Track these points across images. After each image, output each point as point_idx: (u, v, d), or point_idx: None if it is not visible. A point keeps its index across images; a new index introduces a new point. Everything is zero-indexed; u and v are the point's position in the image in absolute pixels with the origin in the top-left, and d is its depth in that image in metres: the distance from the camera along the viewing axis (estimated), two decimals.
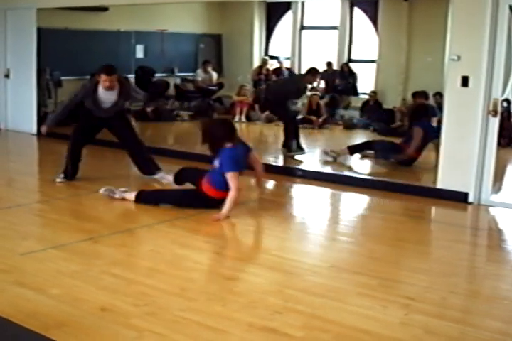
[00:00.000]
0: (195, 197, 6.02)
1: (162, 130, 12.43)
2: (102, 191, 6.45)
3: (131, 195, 6.29)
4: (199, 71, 14.11)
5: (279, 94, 9.30)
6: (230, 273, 4.54)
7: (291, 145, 9.26)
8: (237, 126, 12.66)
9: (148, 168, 7.46)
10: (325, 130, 12.40)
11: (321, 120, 12.49)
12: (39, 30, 10.84)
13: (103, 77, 6.91)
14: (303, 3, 14.14)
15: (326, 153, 8.95)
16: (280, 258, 4.94)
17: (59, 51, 11.74)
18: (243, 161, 5.95)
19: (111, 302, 3.91)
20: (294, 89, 9.45)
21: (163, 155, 9.03)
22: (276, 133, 12.40)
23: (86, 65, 12.24)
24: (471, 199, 6.69)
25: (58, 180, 7.24)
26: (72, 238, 5.20)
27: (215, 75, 14.19)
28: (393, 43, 12.62)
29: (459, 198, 6.71)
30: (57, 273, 4.42)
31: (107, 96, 7.10)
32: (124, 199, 6.33)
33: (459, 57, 6.51)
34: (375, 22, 13.05)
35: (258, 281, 4.46)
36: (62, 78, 12.14)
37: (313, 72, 9.39)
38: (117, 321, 3.66)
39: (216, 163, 5.86)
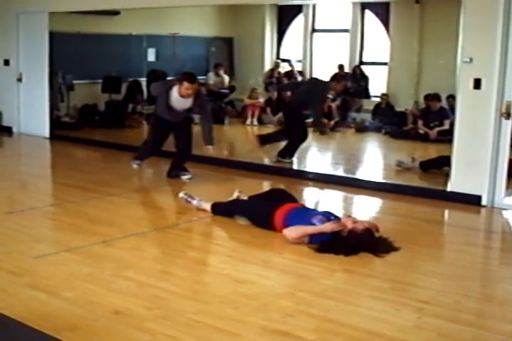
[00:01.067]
0: (263, 220, 5.61)
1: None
2: (181, 194, 6.35)
3: (208, 205, 6.14)
4: (211, 74, 14.11)
5: (302, 100, 8.93)
6: (242, 276, 4.53)
7: (285, 154, 8.95)
8: (248, 129, 12.81)
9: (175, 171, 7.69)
10: (337, 133, 12.38)
11: (332, 123, 12.47)
12: (51, 34, 10.90)
13: (185, 85, 6.86)
14: (314, 6, 14.11)
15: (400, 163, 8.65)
16: (292, 261, 4.93)
17: (71, 55, 11.77)
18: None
19: (124, 305, 3.91)
20: (318, 97, 9.07)
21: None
22: None
23: (98, 69, 12.32)
24: (484, 202, 6.67)
25: (135, 165, 7.90)
26: (85, 241, 5.21)
27: (226, 78, 14.18)
28: (405, 46, 12.57)
29: (472, 201, 6.69)
30: (70, 276, 4.43)
31: (180, 103, 7.10)
32: (200, 207, 6.20)
33: (471, 60, 6.49)
34: (386, 24, 13.01)
35: (270, 284, 4.46)
36: (75, 82, 12.19)
37: (338, 79, 9.19)
38: (130, 324, 3.67)
39: (315, 220, 5.28)
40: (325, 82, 9.36)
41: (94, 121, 12.23)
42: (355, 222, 5.19)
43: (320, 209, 6.38)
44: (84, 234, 5.44)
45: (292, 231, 5.20)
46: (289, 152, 8.91)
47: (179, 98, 7.05)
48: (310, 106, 8.91)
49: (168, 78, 13.40)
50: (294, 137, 8.97)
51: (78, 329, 3.58)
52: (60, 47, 11.20)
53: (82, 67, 12.05)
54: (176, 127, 7.56)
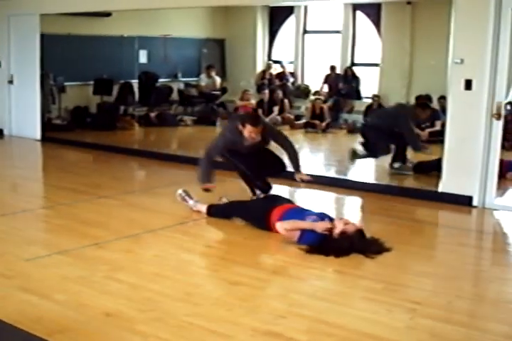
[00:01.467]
0: (260, 220, 5.61)
1: (165, 135, 12.46)
2: (179, 191, 6.35)
3: (203, 208, 6.13)
4: (202, 76, 14.11)
5: (386, 123, 8.44)
6: (234, 278, 4.53)
7: (396, 161, 8.57)
8: None
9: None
10: (329, 134, 12.39)
11: (324, 124, 12.50)
12: (42, 36, 10.88)
13: (248, 128, 6.03)
14: (306, 8, 14.13)
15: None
16: (284, 263, 4.94)
17: (62, 57, 11.75)
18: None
19: (116, 308, 3.91)
20: (403, 123, 8.44)
21: (167, 160, 9.08)
22: None
23: (89, 71, 12.30)
24: (475, 202, 6.68)
25: (253, 197, 6.67)
26: (77, 243, 5.20)
27: (218, 80, 14.18)
28: (396, 47, 12.60)
29: (463, 202, 6.71)
30: (62, 279, 4.42)
31: (248, 142, 6.24)
32: (195, 208, 6.19)
33: (462, 61, 6.51)
34: (377, 25, 13.04)
35: (262, 286, 4.47)
36: (66, 84, 12.17)
37: (423, 106, 8.82)
38: (122, 326, 3.66)
39: (309, 220, 5.29)
40: (408, 107, 9.11)
41: (86, 123, 12.21)
42: (346, 223, 5.20)
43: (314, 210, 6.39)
44: (76, 236, 5.43)
45: (285, 223, 5.27)
46: (399, 158, 8.61)
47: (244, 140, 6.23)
48: (393, 128, 8.45)
49: (160, 80, 13.45)
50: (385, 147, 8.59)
51: (70, 331, 3.57)
52: (51, 49, 11.19)
53: (74, 69, 12.03)
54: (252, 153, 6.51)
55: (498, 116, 6.46)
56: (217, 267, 4.79)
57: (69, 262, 4.78)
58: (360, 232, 5.16)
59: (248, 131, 6.05)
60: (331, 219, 5.30)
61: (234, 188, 6.95)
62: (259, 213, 5.62)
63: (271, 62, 14.61)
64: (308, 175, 6.58)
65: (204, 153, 6.29)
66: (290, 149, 6.50)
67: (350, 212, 6.86)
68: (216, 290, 4.31)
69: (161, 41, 13.46)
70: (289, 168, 6.60)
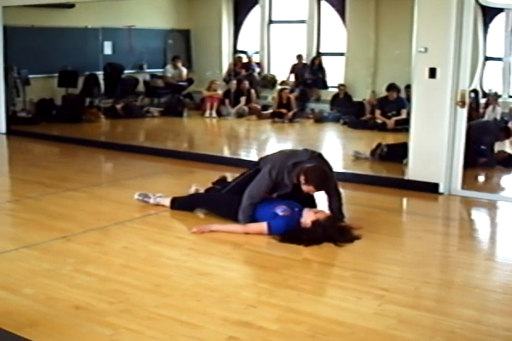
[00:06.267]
0: (230, 209, 5.55)
1: (132, 127, 12.37)
2: (136, 196, 6.25)
3: (166, 201, 6.10)
4: (169, 67, 14.04)
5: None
6: (203, 269, 4.54)
7: None
8: (207, 121, 12.79)
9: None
10: (296, 123, 12.42)
11: (291, 114, 12.51)
12: (5, 28, 10.75)
13: (311, 188, 5.34)
14: None
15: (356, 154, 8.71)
16: (253, 252, 4.96)
17: (26, 49, 11.60)
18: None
19: (85, 301, 3.90)
20: (488, 140, 8.38)
21: (134, 152, 9.04)
22: (246, 127, 12.45)
23: (54, 63, 12.17)
24: (441, 189, 6.76)
25: None
26: (45, 237, 5.17)
27: (184, 71, 14.12)
28: (361, 36, 12.63)
29: (430, 189, 6.77)
30: (30, 273, 4.40)
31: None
32: (158, 204, 6.13)
33: (426, 49, 6.56)
34: (342, 15, 13.05)
35: (232, 276, 4.48)
36: (30, 76, 12.03)
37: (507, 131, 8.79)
38: (92, 319, 3.65)
39: (278, 209, 5.29)
40: (497, 126, 9.08)
41: (51, 116, 12.08)
42: (316, 212, 5.23)
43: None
44: (43, 230, 5.40)
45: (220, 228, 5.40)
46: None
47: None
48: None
49: (126, 71, 13.36)
50: None
51: (39, 325, 3.56)
52: (14, 41, 11.05)
53: (38, 61, 11.90)
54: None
55: (463, 104, 6.53)
56: (185, 258, 4.79)
57: (36, 256, 4.75)
58: (331, 219, 5.20)
59: (309, 190, 5.37)
60: (301, 208, 5.32)
61: (202, 179, 6.93)
62: (228, 202, 5.64)
63: (241, 55, 14.57)
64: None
65: (247, 196, 5.45)
66: (336, 198, 5.69)
67: (318, 201, 6.88)
68: (185, 281, 4.31)
69: (125, 32, 13.36)
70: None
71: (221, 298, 3.99)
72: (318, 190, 5.43)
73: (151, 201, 6.18)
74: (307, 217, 5.20)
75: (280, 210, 5.27)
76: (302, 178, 5.28)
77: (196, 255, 4.87)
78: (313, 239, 5.04)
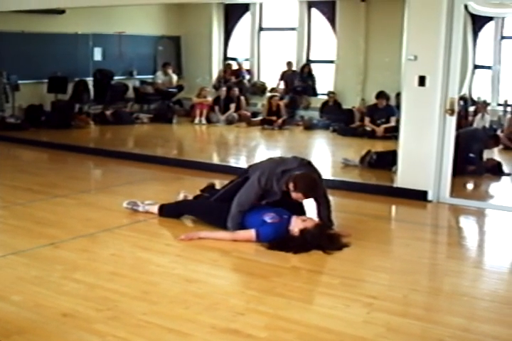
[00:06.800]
0: (218, 217, 5.56)
1: (122, 133, 12.36)
2: (125, 204, 6.22)
3: (155, 208, 6.06)
4: (159, 73, 14.05)
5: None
6: (192, 276, 4.53)
7: None
8: (197, 128, 12.79)
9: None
10: (285, 131, 12.44)
11: (281, 121, 12.53)
12: None
13: (300, 195, 5.33)
14: (261, 5, 14.14)
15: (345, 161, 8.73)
16: (241, 260, 4.96)
17: (16, 55, 11.60)
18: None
19: (73, 308, 3.88)
20: (477, 148, 8.40)
21: (123, 159, 9.03)
22: (236, 134, 12.45)
23: (44, 69, 12.16)
24: (430, 197, 6.77)
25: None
26: (33, 243, 5.15)
27: (175, 77, 14.14)
28: (351, 44, 12.68)
29: (419, 196, 6.79)
30: (18, 280, 4.37)
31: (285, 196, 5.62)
32: (147, 212, 6.10)
33: (415, 57, 6.58)
34: (332, 23, 13.11)
35: (220, 283, 4.47)
36: (20, 82, 12.01)
37: (495, 138, 8.93)
38: (80, 326, 3.64)
39: (267, 217, 5.29)
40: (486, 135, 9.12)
41: (40, 122, 12.05)
42: (304, 220, 5.23)
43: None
44: (31, 237, 5.38)
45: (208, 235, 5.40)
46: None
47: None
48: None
49: (115, 77, 13.35)
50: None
51: (27, 332, 3.54)
52: (4, 46, 11.05)
53: (28, 66, 11.89)
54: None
55: (452, 112, 6.55)
56: (174, 265, 4.77)
57: (24, 263, 4.73)
58: (320, 226, 5.20)
59: (297, 197, 5.37)
60: (289, 216, 5.32)
61: (191, 186, 6.92)
62: (216, 209, 5.64)
63: (231, 62, 14.60)
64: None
65: (236, 204, 5.44)
66: (325, 205, 5.68)
67: (307, 208, 6.89)
68: (173, 288, 4.30)
69: (115, 38, 13.36)
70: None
71: (209, 305, 3.98)
72: (306, 197, 5.44)
73: (140, 209, 6.15)
74: (295, 225, 5.20)
75: (268, 218, 5.27)
76: (291, 186, 5.29)
77: (185, 262, 4.86)
78: (302, 246, 5.05)
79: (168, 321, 3.72)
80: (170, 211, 6.00)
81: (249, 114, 13.36)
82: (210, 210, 5.74)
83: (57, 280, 4.38)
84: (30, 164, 9.30)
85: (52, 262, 4.75)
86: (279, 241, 5.12)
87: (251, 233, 5.25)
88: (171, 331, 3.60)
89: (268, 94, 13.63)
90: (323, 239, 5.12)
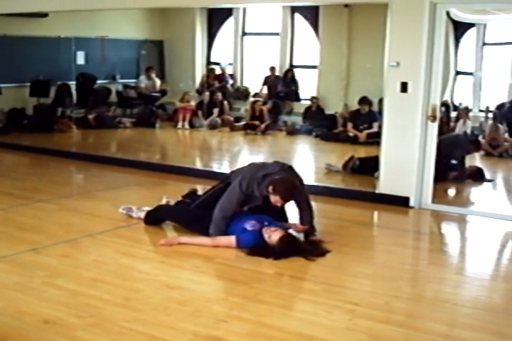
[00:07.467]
0: (198, 224, 5.58)
1: (104, 137, 12.31)
2: (120, 210, 6.22)
3: (143, 215, 6.03)
4: (142, 77, 14.03)
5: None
6: (174, 282, 4.52)
7: None
8: (180, 132, 12.77)
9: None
10: (268, 136, 12.45)
11: (264, 126, 12.55)
12: None
13: (277, 199, 5.31)
14: (244, 10, 14.15)
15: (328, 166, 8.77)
16: (224, 266, 4.95)
17: None
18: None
19: (54, 315, 3.86)
20: (459, 154, 8.47)
21: (106, 163, 8.99)
22: (219, 139, 12.45)
23: (26, 72, 12.10)
24: (412, 203, 6.79)
25: None
26: (14, 249, 5.12)
27: (158, 82, 14.13)
28: (334, 49, 12.72)
29: (400, 202, 6.81)
30: None
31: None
32: (140, 218, 6.06)
33: (398, 64, 6.60)
34: (316, 28, 13.15)
35: (203, 290, 4.46)
36: (2, 85, 11.93)
37: (476, 143, 9.08)
38: (61, 333, 3.62)
39: (248, 225, 5.31)
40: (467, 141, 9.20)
41: (23, 126, 11.98)
42: (273, 231, 5.18)
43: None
44: (12, 242, 5.35)
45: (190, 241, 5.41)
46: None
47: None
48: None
49: (98, 81, 13.31)
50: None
51: (8, 339, 3.52)
52: None
53: (10, 70, 11.83)
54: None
55: (434, 118, 6.58)
56: (156, 271, 4.76)
57: (5, 269, 4.70)
58: (285, 238, 5.14)
59: (276, 200, 5.34)
60: (271, 223, 5.32)
61: (174, 191, 6.91)
62: (198, 218, 5.63)
63: (214, 66, 14.60)
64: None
65: (219, 209, 5.43)
66: (307, 209, 5.67)
67: (289, 214, 6.90)
68: (156, 295, 4.29)
69: (98, 42, 13.34)
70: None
71: (192, 312, 3.98)
72: (285, 200, 5.42)
73: (134, 215, 6.15)
74: (267, 237, 5.19)
75: (249, 225, 5.29)
76: (270, 188, 5.29)
77: (167, 268, 4.85)
78: (280, 253, 5.05)
79: (150, 328, 3.71)
80: (152, 217, 5.98)
81: (232, 118, 13.37)
82: (192, 219, 5.72)
83: (38, 286, 4.36)
84: (11, 168, 9.23)
85: (33, 268, 4.72)
86: (259, 247, 5.14)
87: (231, 239, 5.27)
88: (153, 338, 3.59)
89: (251, 99, 13.64)
90: (290, 250, 5.10)
